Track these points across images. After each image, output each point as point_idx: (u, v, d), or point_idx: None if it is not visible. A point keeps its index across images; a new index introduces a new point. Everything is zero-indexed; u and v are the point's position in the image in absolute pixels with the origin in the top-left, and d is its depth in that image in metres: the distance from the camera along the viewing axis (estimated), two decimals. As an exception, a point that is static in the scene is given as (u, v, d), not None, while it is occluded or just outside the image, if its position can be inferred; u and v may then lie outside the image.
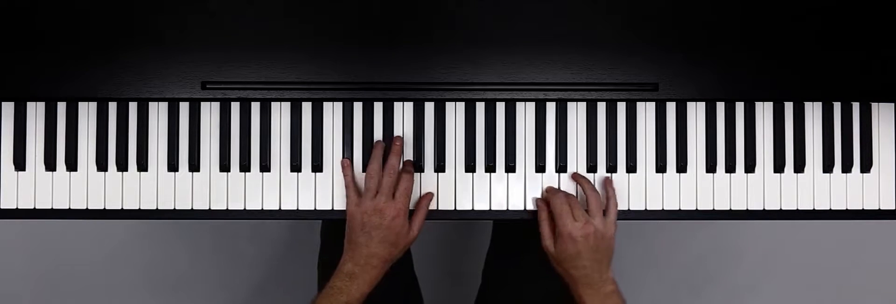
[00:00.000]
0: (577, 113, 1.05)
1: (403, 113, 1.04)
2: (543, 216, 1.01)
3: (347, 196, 1.00)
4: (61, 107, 1.04)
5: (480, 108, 1.04)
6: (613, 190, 1.02)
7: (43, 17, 1.00)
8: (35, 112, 1.04)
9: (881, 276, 1.83)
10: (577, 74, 1.02)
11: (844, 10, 1.02)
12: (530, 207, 1.04)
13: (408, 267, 1.35)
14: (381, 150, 1.02)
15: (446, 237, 1.80)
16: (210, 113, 1.04)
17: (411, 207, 1.02)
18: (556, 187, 1.04)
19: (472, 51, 1.01)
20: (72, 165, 1.03)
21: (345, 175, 1.02)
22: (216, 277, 1.80)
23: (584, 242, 0.96)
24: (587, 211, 0.99)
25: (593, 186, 1.01)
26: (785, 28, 1.02)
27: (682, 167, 1.05)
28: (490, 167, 1.04)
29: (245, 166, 1.04)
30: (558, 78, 1.02)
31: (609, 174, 1.04)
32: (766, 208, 1.05)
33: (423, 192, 1.04)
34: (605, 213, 1.00)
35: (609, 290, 0.98)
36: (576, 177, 1.02)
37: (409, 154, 1.04)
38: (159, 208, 1.03)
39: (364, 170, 1.04)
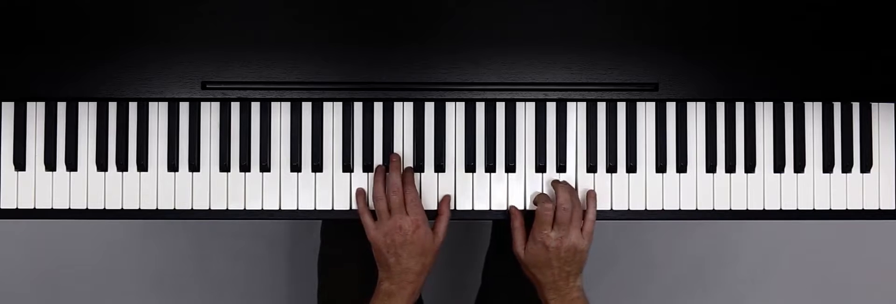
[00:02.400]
0: (577, 113, 1.05)
1: (403, 113, 1.04)
2: (517, 225, 1.02)
3: (364, 224, 1.00)
4: (61, 107, 1.04)
5: (480, 108, 1.04)
6: (595, 205, 1.02)
7: (43, 17, 1.00)
8: (35, 112, 1.04)
9: (881, 276, 1.83)
10: (577, 74, 1.02)
11: (844, 10, 1.02)
12: (530, 207, 1.04)
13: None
14: (382, 173, 1.02)
15: (446, 237, 1.80)
16: (210, 113, 1.04)
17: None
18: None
19: (472, 51, 1.01)
20: (72, 165, 1.03)
21: (357, 202, 1.02)
22: (216, 277, 1.80)
23: (555, 252, 0.97)
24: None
25: (578, 199, 1.02)
26: (785, 28, 1.02)
27: (682, 167, 1.05)
28: (490, 167, 1.04)
29: (245, 166, 1.04)
30: (558, 78, 1.02)
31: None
32: (766, 208, 1.05)
33: (422, 191, 1.04)
34: (582, 227, 1.00)
35: (574, 296, 1.00)
36: (560, 186, 1.02)
37: (409, 154, 1.04)
38: (159, 208, 1.03)
39: (364, 170, 1.04)
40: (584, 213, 1.01)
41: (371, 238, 0.99)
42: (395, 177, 1.00)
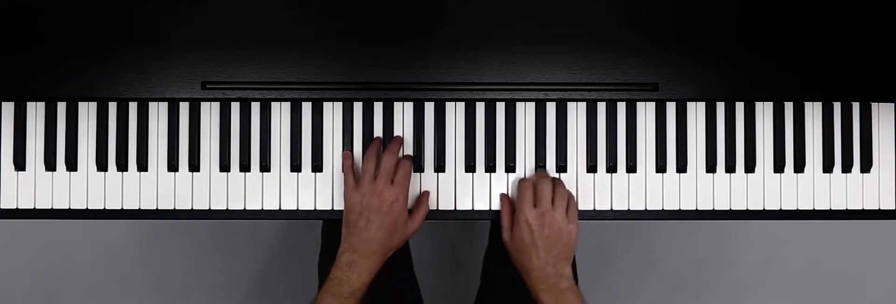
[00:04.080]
0: (577, 113, 1.05)
1: (403, 113, 1.04)
2: (505, 210, 1.01)
3: (345, 182, 0.99)
4: (61, 107, 1.04)
5: (480, 108, 1.04)
6: (569, 191, 1.02)
7: (43, 17, 1.00)
8: (35, 112, 1.04)
9: (881, 276, 1.83)
10: (577, 74, 1.02)
11: (844, 10, 1.02)
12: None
13: (407, 268, 1.35)
14: (379, 143, 1.02)
15: (446, 237, 1.80)
16: (210, 113, 1.04)
17: (410, 206, 1.02)
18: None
19: (472, 51, 1.01)
20: (72, 165, 1.03)
21: (344, 163, 1.02)
22: (216, 277, 1.80)
23: (539, 230, 0.96)
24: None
25: (562, 182, 1.02)
26: (785, 28, 1.02)
27: (682, 167, 1.05)
28: (490, 167, 1.04)
29: (245, 166, 1.04)
30: (558, 78, 1.02)
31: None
32: (766, 208, 1.05)
33: (422, 191, 1.04)
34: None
35: (564, 286, 0.97)
36: (540, 173, 1.03)
37: (409, 154, 1.04)
38: (159, 208, 1.03)
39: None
40: (567, 197, 1.00)
41: (347, 197, 0.98)
42: (395, 147, 1.00)
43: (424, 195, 1.03)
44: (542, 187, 0.98)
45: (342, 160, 1.03)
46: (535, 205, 0.98)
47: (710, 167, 1.05)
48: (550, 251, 0.97)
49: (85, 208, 1.03)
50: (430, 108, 1.04)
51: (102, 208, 1.03)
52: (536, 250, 0.96)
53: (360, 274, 0.97)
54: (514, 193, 1.04)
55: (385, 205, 0.96)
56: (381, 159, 0.99)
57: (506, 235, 1.00)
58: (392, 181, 0.98)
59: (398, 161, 0.99)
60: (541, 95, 1.03)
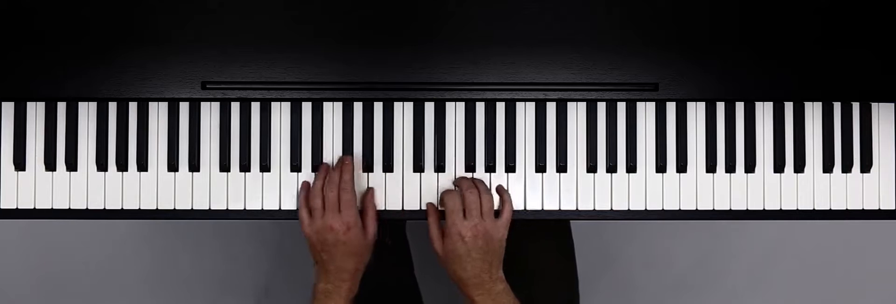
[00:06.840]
0: (577, 113, 1.05)
1: (403, 113, 1.04)
2: (432, 220, 1.01)
3: (300, 218, 1.00)
4: (61, 107, 1.04)
5: (480, 108, 1.04)
6: (508, 194, 1.02)
7: (43, 17, 1.00)
8: (35, 112, 1.04)
9: (881, 276, 1.83)
10: (577, 74, 1.02)
11: (845, 10, 1.02)
12: (530, 207, 1.04)
13: (408, 269, 1.35)
14: (325, 172, 1.01)
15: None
16: (210, 113, 1.04)
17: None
18: (562, 187, 1.04)
19: (472, 51, 1.01)
20: (72, 165, 1.03)
21: (300, 195, 1.01)
22: (216, 277, 1.80)
23: (472, 241, 0.96)
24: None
25: (487, 187, 1.02)
26: (784, 27, 1.02)
27: (682, 167, 1.05)
28: (490, 167, 1.04)
29: (245, 166, 1.04)
30: (558, 78, 1.02)
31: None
32: (766, 208, 1.05)
33: (422, 191, 1.04)
34: (498, 214, 1.00)
35: (499, 289, 0.98)
36: (460, 178, 1.03)
37: (409, 154, 1.04)
38: (159, 208, 1.03)
39: (364, 170, 1.04)
40: (502, 203, 1.01)
41: (304, 234, 0.99)
42: (335, 176, 0.99)
43: (368, 197, 1.02)
44: (470, 198, 0.98)
45: (299, 190, 1.02)
46: (465, 216, 0.98)
47: (710, 167, 1.05)
48: (485, 259, 0.97)
49: (85, 208, 1.03)
50: (430, 108, 1.04)
51: (102, 208, 1.03)
52: (471, 260, 0.97)
53: (337, 301, 0.98)
54: (515, 194, 1.04)
55: (340, 236, 0.96)
56: (324, 192, 0.98)
57: (437, 245, 0.99)
58: (339, 210, 0.98)
59: (339, 189, 0.98)
60: (541, 95, 1.03)
